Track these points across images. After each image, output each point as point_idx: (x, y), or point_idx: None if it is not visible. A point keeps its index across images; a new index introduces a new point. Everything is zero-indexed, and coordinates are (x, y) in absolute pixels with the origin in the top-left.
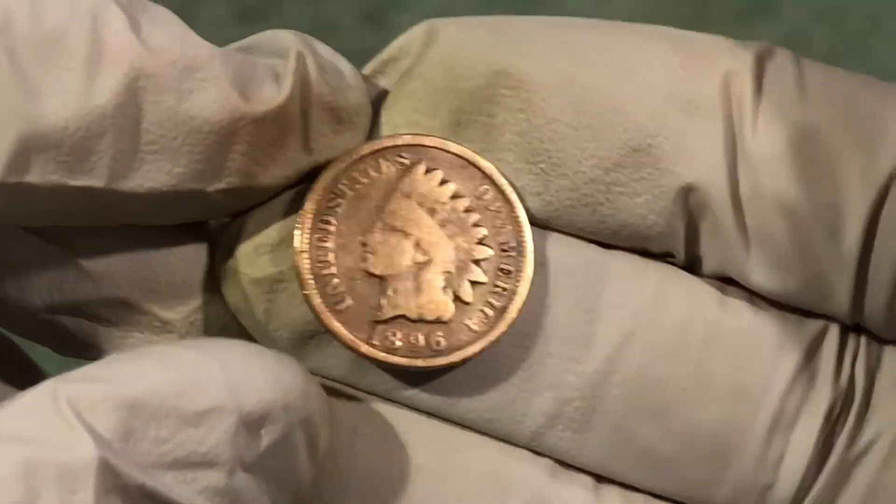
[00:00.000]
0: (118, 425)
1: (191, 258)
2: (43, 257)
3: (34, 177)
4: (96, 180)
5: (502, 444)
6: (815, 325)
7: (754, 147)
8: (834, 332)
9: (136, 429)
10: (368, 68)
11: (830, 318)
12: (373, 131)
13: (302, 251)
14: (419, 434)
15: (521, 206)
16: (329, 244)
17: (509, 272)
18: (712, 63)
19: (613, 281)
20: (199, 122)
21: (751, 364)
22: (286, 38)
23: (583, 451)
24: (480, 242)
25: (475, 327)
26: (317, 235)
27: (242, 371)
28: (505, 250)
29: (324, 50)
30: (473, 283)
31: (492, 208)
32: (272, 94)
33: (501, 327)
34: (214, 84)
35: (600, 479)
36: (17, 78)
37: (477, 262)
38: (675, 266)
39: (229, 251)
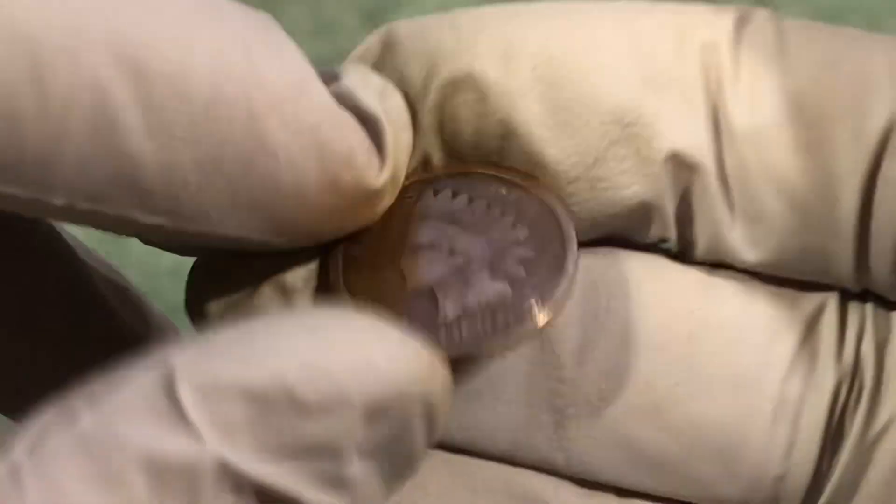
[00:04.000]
0: (237, 414)
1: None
2: None
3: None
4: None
5: (514, 466)
6: (811, 302)
7: (738, 120)
8: (832, 307)
9: (254, 418)
10: None
11: (832, 289)
12: None
13: (339, 290)
14: (426, 460)
15: (538, 182)
16: (363, 277)
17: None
18: (688, 36)
19: (591, 281)
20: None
21: (744, 352)
22: (373, 105)
23: (584, 461)
24: (514, 226)
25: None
26: (349, 273)
27: (365, 356)
28: (538, 226)
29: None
30: (521, 260)
31: (511, 199)
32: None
33: (565, 284)
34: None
35: (621, 492)
36: None
37: (518, 242)
38: (664, 257)
39: (200, 310)
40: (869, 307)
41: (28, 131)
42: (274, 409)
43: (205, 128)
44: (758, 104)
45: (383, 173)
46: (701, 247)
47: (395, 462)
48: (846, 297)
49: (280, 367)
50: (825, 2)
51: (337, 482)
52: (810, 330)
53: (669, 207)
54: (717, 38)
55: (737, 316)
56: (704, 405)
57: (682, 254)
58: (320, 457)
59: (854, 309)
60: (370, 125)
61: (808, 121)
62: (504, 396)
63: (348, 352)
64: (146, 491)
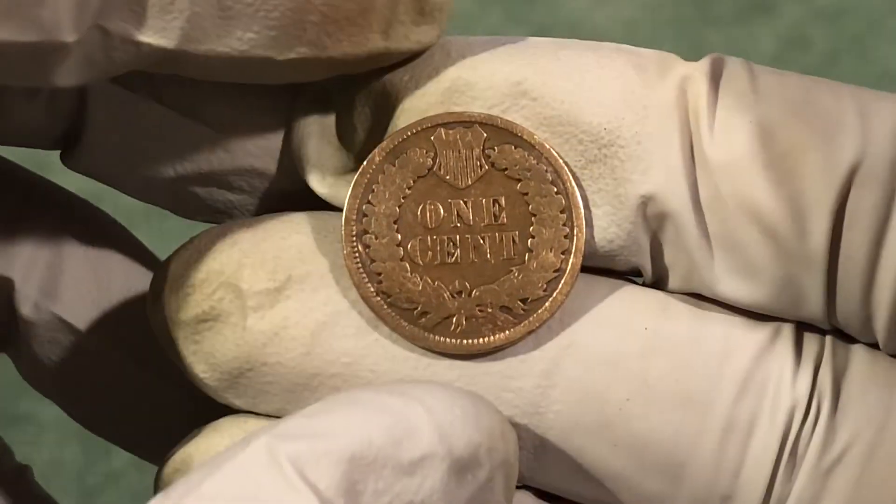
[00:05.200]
0: (340, 481)
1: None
2: (175, 129)
3: (108, 22)
4: (167, 41)
5: None
6: (766, 328)
7: (712, 150)
8: (787, 335)
9: (356, 482)
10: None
11: (800, 322)
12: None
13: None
14: None
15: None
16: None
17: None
18: (667, 68)
19: None
20: None
21: (695, 371)
22: None
23: (532, 470)
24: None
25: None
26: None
27: (447, 414)
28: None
29: None
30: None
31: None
32: None
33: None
34: None
35: (552, 498)
36: None
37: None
38: (634, 283)
39: (157, 296)
40: (828, 339)
41: None
42: (371, 471)
43: None
44: (731, 135)
45: None
46: (674, 279)
47: None
48: (803, 326)
49: (371, 430)
50: (825, 2)
51: None
52: (763, 355)
53: (642, 237)
54: (695, 72)
55: (690, 336)
56: (653, 421)
57: (655, 285)
58: None
59: (811, 339)
60: None
61: (780, 152)
62: None
63: (431, 413)
64: None
